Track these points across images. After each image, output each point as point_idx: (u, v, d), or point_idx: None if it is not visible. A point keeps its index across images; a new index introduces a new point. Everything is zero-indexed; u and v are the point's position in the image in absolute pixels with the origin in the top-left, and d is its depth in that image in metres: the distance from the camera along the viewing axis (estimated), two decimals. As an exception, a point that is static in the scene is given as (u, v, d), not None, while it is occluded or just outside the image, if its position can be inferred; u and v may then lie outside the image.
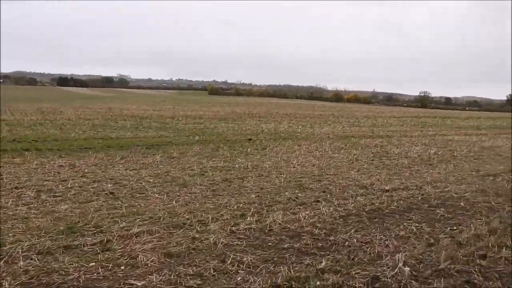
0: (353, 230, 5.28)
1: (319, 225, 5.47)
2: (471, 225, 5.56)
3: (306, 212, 5.94)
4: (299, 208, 6.18)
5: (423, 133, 19.27)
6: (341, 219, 5.73)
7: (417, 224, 5.57)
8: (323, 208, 6.14)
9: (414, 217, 5.93)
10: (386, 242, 4.90)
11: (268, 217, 5.65)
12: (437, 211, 6.21)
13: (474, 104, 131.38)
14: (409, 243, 4.89)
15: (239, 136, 15.87)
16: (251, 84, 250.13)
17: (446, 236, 5.14)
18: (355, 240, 4.94)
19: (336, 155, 11.67)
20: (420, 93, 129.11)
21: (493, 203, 6.71)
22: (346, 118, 30.07)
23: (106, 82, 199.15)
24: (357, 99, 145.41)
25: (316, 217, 5.79)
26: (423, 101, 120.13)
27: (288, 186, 7.65)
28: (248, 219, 5.55)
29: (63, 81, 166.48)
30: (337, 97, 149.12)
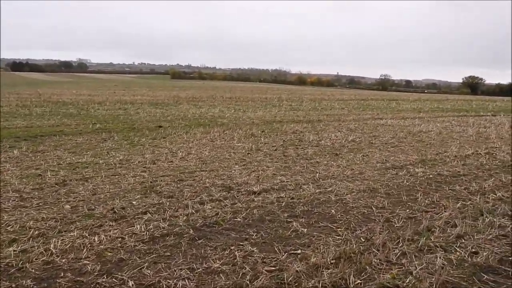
0: (146, 264, 3.69)
1: (109, 253, 3.85)
2: (321, 247, 4.08)
3: (109, 233, 4.31)
4: (111, 225, 4.55)
5: (358, 117, 18.03)
6: (151, 242, 4.14)
7: (250, 248, 4.04)
8: (141, 226, 4.53)
9: (255, 234, 4.41)
10: (176, 284, 3.34)
11: (49, 243, 4.01)
12: (294, 223, 4.72)
13: (433, 87, 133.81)
14: (212, 279, 3.35)
15: (153, 123, 14.10)
16: (215, 67, 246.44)
17: (271, 269, 3.62)
18: (131, 283, 3.35)
19: (240, 144, 10.10)
20: (381, 76, 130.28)
21: (374, 209, 5.29)
22: (290, 101, 28.65)
23: (65, 66, 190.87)
24: (320, 82, 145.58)
25: (118, 240, 4.17)
26: (384, 84, 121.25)
27: (134, 189, 6.01)
28: (14, 247, 3.89)
29: (17, 66, 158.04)
30: (301, 80, 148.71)
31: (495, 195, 6.03)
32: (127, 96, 30.80)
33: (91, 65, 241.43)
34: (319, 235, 4.41)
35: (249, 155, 8.83)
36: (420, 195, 5.95)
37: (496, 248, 4.13)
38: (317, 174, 7.03)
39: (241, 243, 4.16)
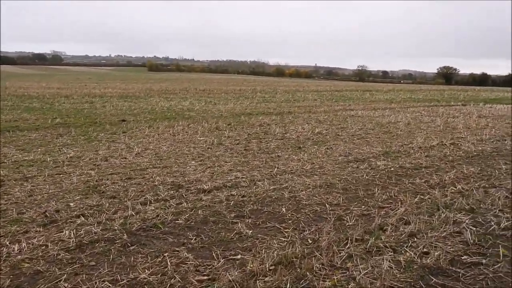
0: (65, 276, 3.31)
1: (26, 265, 3.46)
2: (262, 251, 3.77)
3: (33, 240, 3.91)
4: (37, 231, 4.14)
5: (329, 108, 17.84)
6: (77, 250, 3.75)
7: (185, 254, 3.70)
8: (71, 231, 4.13)
9: (194, 238, 4.07)
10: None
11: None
12: (239, 225, 4.40)
13: (409, 77, 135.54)
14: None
15: (117, 117, 13.57)
16: (193, 60, 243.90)
17: (202, 279, 3.29)
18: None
19: (202, 138, 9.73)
20: (358, 67, 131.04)
21: (327, 206, 5.02)
22: (264, 93, 28.32)
23: (39, 59, 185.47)
24: (298, 74, 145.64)
25: (40, 248, 3.77)
26: (361, 75, 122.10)
27: (76, 189, 5.58)
28: None
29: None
30: (279, 72, 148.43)
31: (454, 188, 5.84)
32: (98, 89, 29.92)
33: (66, 58, 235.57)
34: (264, 237, 4.11)
35: (210, 149, 8.47)
36: (378, 189, 5.71)
37: (449, 247, 3.90)
38: (275, 169, 6.73)
39: (177, 249, 3.82)
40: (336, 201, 5.24)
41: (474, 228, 4.34)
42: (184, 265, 3.51)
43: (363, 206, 5.05)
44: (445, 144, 9.20)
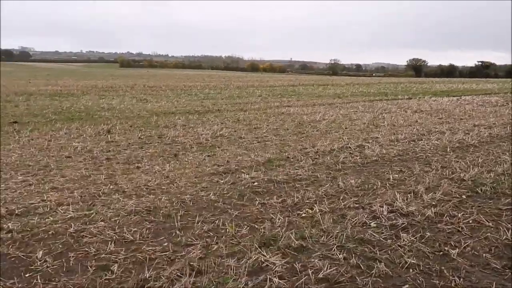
0: None
1: None
2: None
3: None
4: None
5: (266, 105, 16.61)
6: None
7: None
8: None
9: None
10: None
11: None
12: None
13: (381, 70, 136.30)
14: None
15: (16, 118, 12.03)
16: (167, 55, 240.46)
17: None
18: None
19: (79, 144, 8.33)
20: (331, 60, 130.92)
21: (160, 229, 3.72)
22: (214, 89, 26.92)
23: (5, 55, 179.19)
24: (273, 68, 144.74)
25: None
26: (334, 69, 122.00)
27: None
28: None
29: None
30: (253, 67, 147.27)
31: (310, 211, 4.62)
32: (42, 86, 28.01)
33: (35, 54, 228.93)
34: None
35: (69, 158, 7.08)
36: (207, 216, 4.44)
37: None
38: (105, 188, 5.38)
39: None
40: (135, 236, 3.93)
41: None
42: None
43: (161, 246, 3.75)
44: (349, 147, 8.03)
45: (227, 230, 4.09)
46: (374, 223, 4.26)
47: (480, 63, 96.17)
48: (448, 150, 7.78)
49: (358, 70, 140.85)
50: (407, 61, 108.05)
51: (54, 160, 6.98)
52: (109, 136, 9.42)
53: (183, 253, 3.60)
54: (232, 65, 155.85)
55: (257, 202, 4.93)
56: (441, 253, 3.64)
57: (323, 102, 17.76)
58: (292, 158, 7.13)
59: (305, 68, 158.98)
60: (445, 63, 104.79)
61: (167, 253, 3.60)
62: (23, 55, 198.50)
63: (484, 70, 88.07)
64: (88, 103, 16.96)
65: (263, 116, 12.79)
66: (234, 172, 6.23)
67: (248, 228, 4.16)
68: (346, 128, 10.55)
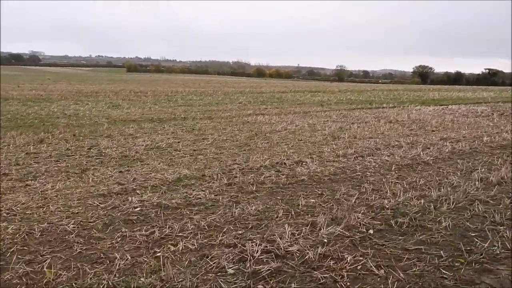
0: None
1: None
2: None
3: None
4: None
5: (240, 113, 15.83)
6: None
7: None
8: None
9: None
10: None
11: None
12: None
13: (389, 77, 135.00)
14: None
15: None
16: (175, 60, 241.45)
17: None
18: None
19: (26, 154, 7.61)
20: (337, 66, 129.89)
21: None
22: (199, 95, 26.22)
23: (15, 59, 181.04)
24: (279, 74, 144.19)
25: None
26: (340, 75, 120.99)
27: None
28: None
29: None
30: (260, 72, 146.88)
31: (173, 247, 3.81)
32: (26, 91, 27.59)
33: (45, 58, 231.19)
34: None
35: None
36: (43, 255, 3.66)
37: None
38: (38, 200, 4.65)
39: None
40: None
41: None
42: None
43: None
44: (285, 164, 7.19)
45: (46, 275, 3.29)
46: (233, 269, 3.43)
47: (487, 71, 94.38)
48: (393, 169, 6.91)
49: (365, 77, 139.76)
50: (413, 68, 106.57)
51: None
52: (39, 146, 8.71)
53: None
54: (238, 70, 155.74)
55: (119, 234, 4.12)
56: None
57: (300, 110, 16.92)
58: (209, 176, 6.32)
59: (312, 74, 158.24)
60: (452, 70, 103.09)
61: None
62: (33, 59, 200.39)
63: (491, 78, 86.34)
64: (55, 109, 16.34)
65: (223, 126, 12.00)
66: (127, 193, 5.44)
67: (74, 272, 3.35)
68: (300, 140, 9.72)
